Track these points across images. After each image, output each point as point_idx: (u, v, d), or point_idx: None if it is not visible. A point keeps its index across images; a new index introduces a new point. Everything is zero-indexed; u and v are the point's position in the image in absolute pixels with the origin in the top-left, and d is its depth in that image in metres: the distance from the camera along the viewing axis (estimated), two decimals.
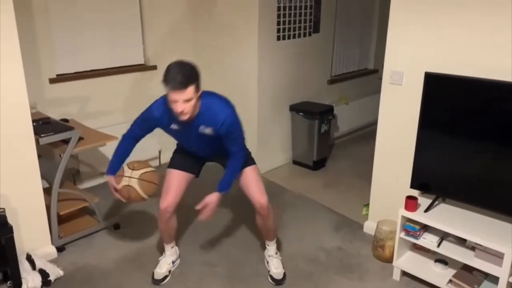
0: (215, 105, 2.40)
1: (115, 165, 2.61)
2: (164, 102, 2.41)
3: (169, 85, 2.20)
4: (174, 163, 2.73)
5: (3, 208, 2.57)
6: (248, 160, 2.69)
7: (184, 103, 2.24)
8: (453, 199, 2.67)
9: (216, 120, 2.38)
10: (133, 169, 2.55)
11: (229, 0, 4.11)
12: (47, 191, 3.01)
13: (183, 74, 2.19)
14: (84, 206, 3.27)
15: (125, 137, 2.62)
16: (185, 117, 2.30)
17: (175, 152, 2.79)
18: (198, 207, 2.50)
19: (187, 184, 2.72)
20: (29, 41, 3.42)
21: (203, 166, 2.81)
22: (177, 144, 2.79)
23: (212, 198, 2.50)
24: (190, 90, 2.22)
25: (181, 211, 2.72)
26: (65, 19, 3.63)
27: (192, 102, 2.26)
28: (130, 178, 2.52)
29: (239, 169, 2.59)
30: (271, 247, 2.90)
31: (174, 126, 2.45)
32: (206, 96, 2.39)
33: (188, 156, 2.71)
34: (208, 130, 2.43)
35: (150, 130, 2.57)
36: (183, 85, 2.19)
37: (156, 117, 2.45)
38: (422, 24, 2.67)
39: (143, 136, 2.62)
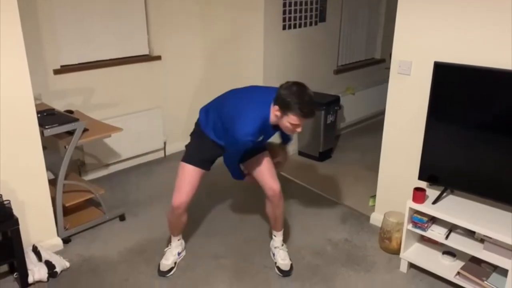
0: None
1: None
2: (255, 121, 2.38)
3: (303, 113, 2.29)
4: (190, 158, 2.64)
5: (9, 200, 2.57)
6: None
7: None
8: (462, 191, 2.63)
9: None
10: None
11: None
12: (52, 183, 3.01)
13: (313, 103, 2.34)
14: (90, 197, 3.27)
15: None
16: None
17: (191, 145, 2.70)
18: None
19: (200, 180, 2.68)
20: (33, 32, 3.40)
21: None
22: (192, 136, 2.71)
23: (286, 154, 2.92)
24: None
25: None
26: (69, 10, 3.60)
27: None
28: None
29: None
30: (277, 238, 2.90)
31: (260, 138, 2.48)
32: None
33: (203, 151, 2.65)
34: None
35: None
36: (314, 114, 2.36)
37: (254, 140, 2.42)
38: (431, 13, 2.62)
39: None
